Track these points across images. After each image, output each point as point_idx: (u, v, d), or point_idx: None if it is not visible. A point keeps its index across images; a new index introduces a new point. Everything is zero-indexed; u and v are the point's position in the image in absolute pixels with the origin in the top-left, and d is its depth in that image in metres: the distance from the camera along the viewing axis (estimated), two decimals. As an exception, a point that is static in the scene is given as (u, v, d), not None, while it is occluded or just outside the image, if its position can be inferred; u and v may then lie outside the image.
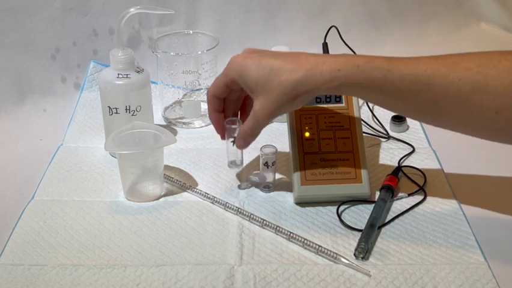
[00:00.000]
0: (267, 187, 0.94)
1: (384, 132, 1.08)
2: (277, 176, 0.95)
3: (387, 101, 0.80)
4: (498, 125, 0.74)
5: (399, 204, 0.90)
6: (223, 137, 0.92)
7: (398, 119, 1.08)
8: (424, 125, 1.09)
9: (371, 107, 1.14)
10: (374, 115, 1.12)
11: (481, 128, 0.77)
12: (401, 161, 1.00)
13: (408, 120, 1.09)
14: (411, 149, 1.03)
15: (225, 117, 0.90)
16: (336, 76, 0.77)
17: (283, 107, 0.80)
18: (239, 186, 0.94)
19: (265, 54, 0.82)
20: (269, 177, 0.93)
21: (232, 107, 0.90)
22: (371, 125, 1.10)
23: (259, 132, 0.85)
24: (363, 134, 0.94)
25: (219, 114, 0.89)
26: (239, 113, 0.92)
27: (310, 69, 0.77)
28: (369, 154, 1.00)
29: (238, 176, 0.96)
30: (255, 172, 0.96)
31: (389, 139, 1.06)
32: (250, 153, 0.99)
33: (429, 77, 0.74)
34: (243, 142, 0.87)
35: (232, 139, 0.90)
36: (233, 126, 0.89)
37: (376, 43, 1.41)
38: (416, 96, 0.76)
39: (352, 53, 1.10)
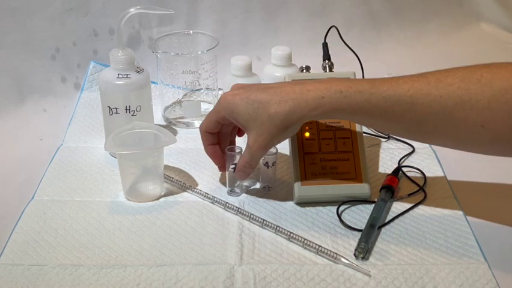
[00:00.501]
0: (267, 187, 0.94)
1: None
2: (277, 176, 0.95)
3: (373, 123, 0.82)
4: (486, 138, 0.74)
5: (399, 204, 0.90)
6: (222, 169, 0.93)
7: None
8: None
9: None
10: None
11: (470, 142, 0.77)
12: (401, 161, 1.00)
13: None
14: (411, 149, 1.03)
15: (220, 149, 0.91)
16: (320, 103, 0.78)
17: (276, 138, 0.83)
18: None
19: (253, 89, 0.84)
20: (269, 177, 0.93)
21: (226, 138, 0.92)
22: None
23: (257, 163, 0.88)
24: (363, 134, 0.94)
25: (214, 147, 0.91)
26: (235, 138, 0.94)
27: (296, 99, 0.79)
28: (369, 154, 1.00)
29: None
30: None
31: (389, 139, 1.06)
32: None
33: (412, 96, 0.75)
34: (243, 174, 0.89)
35: (233, 166, 0.90)
36: (233, 153, 0.90)
37: (376, 43, 1.41)
38: (401, 116, 0.76)
39: (352, 53, 1.10)
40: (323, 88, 0.79)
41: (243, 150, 0.89)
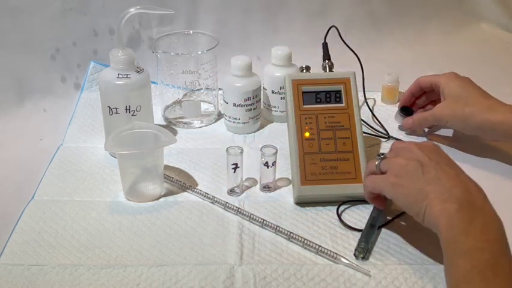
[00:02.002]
0: (267, 187, 0.94)
1: (384, 132, 1.08)
2: (277, 176, 0.95)
3: None
4: None
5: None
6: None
7: (405, 112, 1.08)
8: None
9: (370, 107, 1.14)
10: (373, 115, 1.12)
11: None
12: None
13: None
14: None
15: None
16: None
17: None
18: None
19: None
20: (269, 177, 0.93)
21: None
22: (371, 125, 1.10)
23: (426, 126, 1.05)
24: (363, 134, 0.94)
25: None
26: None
27: None
28: (369, 154, 0.99)
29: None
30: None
31: (389, 139, 1.06)
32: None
33: None
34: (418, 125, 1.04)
35: (233, 166, 0.90)
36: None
37: (376, 43, 1.41)
38: None
39: (352, 53, 1.10)
40: None
41: (243, 150, 0.89)
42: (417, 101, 1.09)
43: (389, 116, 1.13)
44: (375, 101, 1.18)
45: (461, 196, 0.72)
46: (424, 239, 0.83)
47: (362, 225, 0.85)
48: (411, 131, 1.08)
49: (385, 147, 1.04)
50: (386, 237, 0.84)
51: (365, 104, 1.14)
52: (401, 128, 1.09)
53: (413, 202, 0.75)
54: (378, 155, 0.82)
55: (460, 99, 0.97)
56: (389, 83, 1.17)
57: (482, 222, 0.70)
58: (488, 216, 0.71)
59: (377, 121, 1.10)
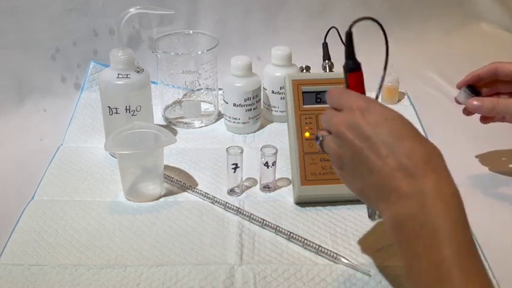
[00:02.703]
0: (267, 187, 0.94)
1: None
2: (277, 176, 0.95)
3: None
4: None
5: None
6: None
7: (472, 91, 0.94)
8: (424, 125, 1.09)
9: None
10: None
11: None
12: None
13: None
14: None
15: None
16: None
17: None
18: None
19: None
20: (269, 177, 0.93)
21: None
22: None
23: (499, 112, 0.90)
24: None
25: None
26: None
27: None
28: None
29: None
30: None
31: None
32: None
33: None
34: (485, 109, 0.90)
35: (233, 166, 0.90)
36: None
37: (376, 43, 1.40)
38: None
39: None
40: None
41: (243, 150, 0.89)
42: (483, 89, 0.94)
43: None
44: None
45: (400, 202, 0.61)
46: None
47: (362, 225, 0.85)
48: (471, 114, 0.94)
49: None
50: (386, 237, 0.84)
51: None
52: (464, 104, 0.93)
53: (364, 200, 0.67)
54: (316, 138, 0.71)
55: None
56: (389, 83, 1.17)
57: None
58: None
59: None
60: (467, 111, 0.94)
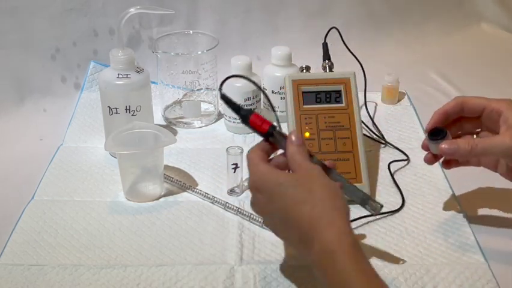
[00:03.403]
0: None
1: (382, 139, 1.06)
2: (277, 176, 0.95)
3: None
4: None
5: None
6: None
7: (436, 135, 0.80)
8: (424, 125, 1.09)
9: (371, 112, 1.13)
10: (374, 123, 1.10)
11: None
12: (392, 162, 0.99)
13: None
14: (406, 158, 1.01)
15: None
16: None
17: None
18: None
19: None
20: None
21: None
22: (370, 127, 1.09)
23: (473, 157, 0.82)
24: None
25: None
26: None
27: None
28: (369, 154, 0.99)
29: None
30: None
31: (386, 146, 1.05)
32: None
33: None
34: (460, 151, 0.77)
35: (233, 166, 0.90)
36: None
37: (376, 43, 1.41)
38: None
39: (351, 54, 1.10)
40: None
41: (243, 150, 0.89)
42: (451, 127, 0.82)
43: (389, 116, 1.13)
44: (376, 104, 1.17)
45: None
46: (424, 239, 0.83)
47: (362, 224, 0.85)
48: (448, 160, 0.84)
49: (382, 152, 1.03)
50: (386, 237, 0.84)
51: (364, 106, 1.13)
52: (436, 152, 0.80)
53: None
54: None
55: None
56: (389, 83, 1.17)
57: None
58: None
59: (375, 128, 1.09)
60: (446, 163, 0.84)
